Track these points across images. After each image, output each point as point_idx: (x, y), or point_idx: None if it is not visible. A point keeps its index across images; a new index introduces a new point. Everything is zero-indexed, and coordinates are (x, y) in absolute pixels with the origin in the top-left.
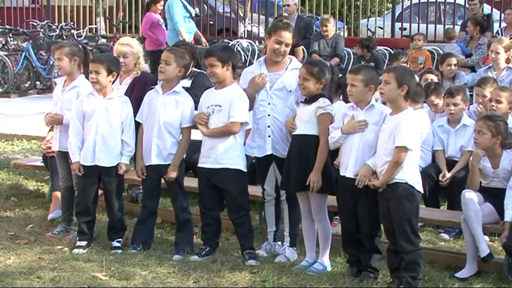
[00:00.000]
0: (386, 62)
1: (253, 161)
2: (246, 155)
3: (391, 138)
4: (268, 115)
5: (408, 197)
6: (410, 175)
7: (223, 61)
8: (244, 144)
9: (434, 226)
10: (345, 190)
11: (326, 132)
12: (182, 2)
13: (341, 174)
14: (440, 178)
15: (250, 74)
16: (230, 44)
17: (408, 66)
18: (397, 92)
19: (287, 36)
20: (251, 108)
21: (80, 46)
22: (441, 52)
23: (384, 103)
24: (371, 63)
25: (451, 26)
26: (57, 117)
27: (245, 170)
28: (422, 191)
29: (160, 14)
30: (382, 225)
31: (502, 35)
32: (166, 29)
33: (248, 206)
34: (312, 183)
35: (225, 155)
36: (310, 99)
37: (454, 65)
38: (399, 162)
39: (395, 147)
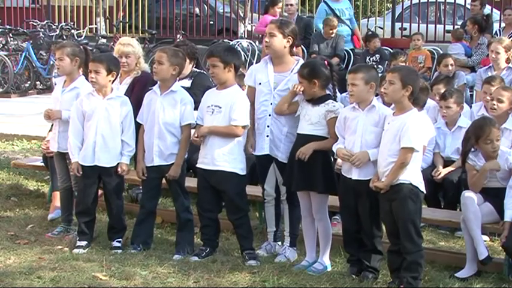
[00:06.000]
0: (387, 62)
1: (255, 161)
2: (249, 155)
3: (396, 139)
4: (269, 115)
5: (412, 198)
6: (414, 175)
7: (226, 62)
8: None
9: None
10: (347, 190)
11: (335, 134)
12: (328, 5)
13: (343, 174)
14: (433, 173)
15: (256, 72)
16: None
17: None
18: (401, 92)
19: (269, 26)
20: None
21: (82, 47)
22: (441, 52)
23: (384, 102)
24: (376, 56)
25: (451, 26)
26: (57, 111)
27: (242, 173)
28: (425, 191)
29: (278, 16)
30: (383, 226)
31: (500, 35)
32: None
33: (246, 207)
34: (299, 152)
35: (221, 157)
36: (317, 100)
37: (451, 65)
38: (405, 164)
39: (402, 148)
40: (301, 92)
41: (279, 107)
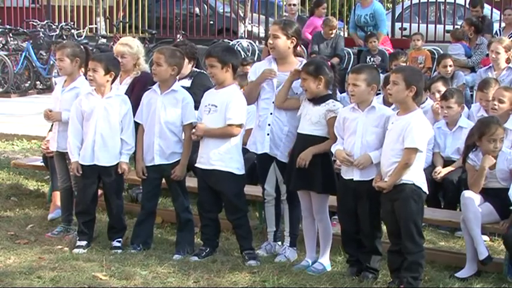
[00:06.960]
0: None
1: (255, 161)
2: (249, 155)
3: (400, 139)
4: (271, 113)
5: (415, 198)
6: (417, 176)
7: (224, 62)
8: (245, 144)
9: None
10: (346, 191)
11: (334, 134)
12: (355, 11)
13: (342, 176)
14: (433, 174)
15: (259, 69)
16: (230, 44)
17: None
18: (405, 93)
19: (272, 28)
20: (253, 102)
21: (82, 47)
22: (441, 52)
23: (384, 102)
24: (377, 57)
25: (451, 26)
26: (56, 113)
27: (239, 173)
28: (427, 192)
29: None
30: (384, 226)
31: (500, 35)
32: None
33: (245, 207)
34: (299, 159)
35: (217, 156)
36: (318, 99)
37: (450, 65)
38: (409, 164)
39: (405, 148)
40: (273, 76)
41: (278, 99)
